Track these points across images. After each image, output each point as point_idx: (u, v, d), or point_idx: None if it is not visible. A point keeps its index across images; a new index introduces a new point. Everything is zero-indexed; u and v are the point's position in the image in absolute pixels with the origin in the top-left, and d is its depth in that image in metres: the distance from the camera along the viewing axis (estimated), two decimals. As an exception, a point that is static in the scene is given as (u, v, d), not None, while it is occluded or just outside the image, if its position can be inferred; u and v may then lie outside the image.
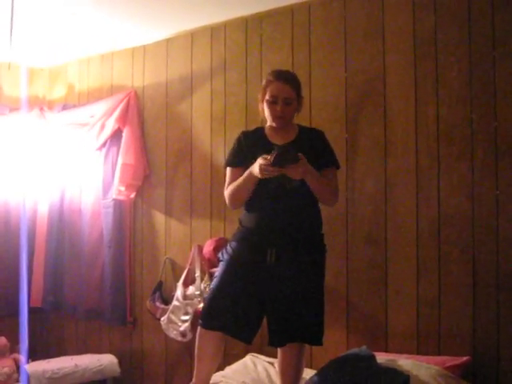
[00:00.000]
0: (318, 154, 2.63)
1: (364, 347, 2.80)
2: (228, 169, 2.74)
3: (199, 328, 2.73)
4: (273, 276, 2.58)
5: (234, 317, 2.63)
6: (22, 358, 4.05)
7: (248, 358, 3.33)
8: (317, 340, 2.67)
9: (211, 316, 2.67)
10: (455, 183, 2.94)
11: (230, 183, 2.69)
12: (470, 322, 2.88)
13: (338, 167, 2.73)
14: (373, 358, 2.68)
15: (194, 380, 2.78)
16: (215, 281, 2.69)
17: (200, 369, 2.76)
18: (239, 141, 2.74)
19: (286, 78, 2.64)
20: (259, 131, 2.74)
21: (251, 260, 2.61)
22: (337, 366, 2.62)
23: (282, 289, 2.58)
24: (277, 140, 2.65)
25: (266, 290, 2.60)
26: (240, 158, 2.69)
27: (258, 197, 2.62)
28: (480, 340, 2.86)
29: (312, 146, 2.64)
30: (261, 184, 2.57)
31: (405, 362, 2.76)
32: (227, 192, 2.69)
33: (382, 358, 2.79)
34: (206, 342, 2.71)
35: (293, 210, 2.59)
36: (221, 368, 3.32)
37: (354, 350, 2.81)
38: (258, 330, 2.67)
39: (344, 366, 2.61)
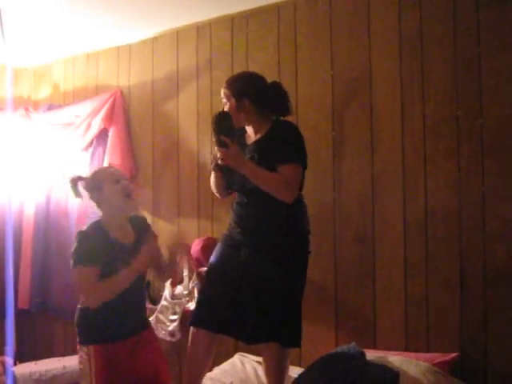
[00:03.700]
0: (278, 148, 2.59)
1: (353, 344, 2.79)
2: None
3: (190, 330, 2.76)
4: (244, 275, 2.62)
5: (219, 314, 2.66)
6: (9, 360, 4.02)
7: (236, 358, 3.32)
8: (288, 341, 2.60)
9: (199, 314, 2.73)
10: (441, 180, 2.95)
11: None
12: (458, 318, 2.89)
13: (297, 164, 2.59)
14: (362, 354, 2.68)
15: None
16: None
17: (190, 372, 2.77)
18: None
19: (226, 80, 2.74)
20: (242, 131, 2.77)
21: (228, 260, 2.70)
22: (325, 364, 2.61)
23: (252, 288, 2.59)
24: (250, 139, 2.72)
25: (240, 288, 2.63)
26: None
27: (235, 198, 2.77)
28: (468, 336, 2.87)
29: (274, 140, 2.61)
30: (233, 186, 2.73)
31: (394, 359, 2.77)
32: None
33: (371, 354, 2.80)
34: (197, 342, 2.73)
35: (258, 210, 2.64)
36: (209, 368, 3.32)
37: (343, 347, 2.80)
38: (244, 325, 2.63)
39: (332, 364, 2.60)
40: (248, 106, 2.66)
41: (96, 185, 2.65)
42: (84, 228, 2.63)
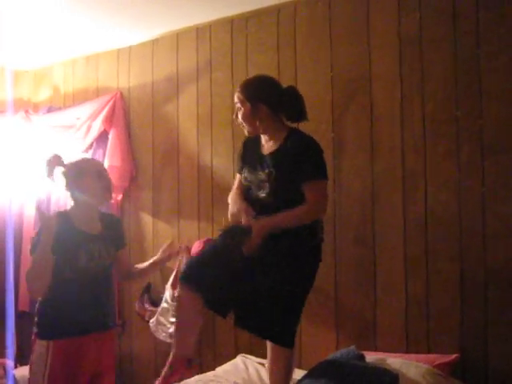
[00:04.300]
0: (297, 166, 2.54)
1: (352, 347, 2.80)
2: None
3: (178, 291, 2.72)
4: (249, 264, 2.55)
5: (214, 286, 2.57)
6: (10, 362, 4.02)
7: (239, 359, 3.32)
8: (279, 339, 2.57)
9: (192, 275, 2.61)
10: (441, 181, 2.95)
11: (235, 187, 2.78)
12: (459, 319, 2.89)
13: (318, 179, 2.54)
14: (362, 358, 2.68)
15: (174, 353, 2.62)
16: (206, 249, 2.79)
17: (182, 336, 2.67)
18: (240, 148, 2.81)
19: (240, 84, 2.66)
20: (257, 139, 2.71)
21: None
22: (324, 369, 2.61)
23: (253, 278, 2.54)
24: (265, 149, 2.64)
25: (240, 272, 2.56)
26: (240, 165, 2.76)
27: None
28: (468, 337, 2.87)
29: (293, 156, 2.54)
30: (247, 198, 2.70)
31: (394, 361, 2.76)
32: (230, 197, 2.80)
33: (371, 357, 2.80)
34: (187, 303, 2.62)
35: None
36: (211, 368, 3.33)
37: (342, 350, 2.81)
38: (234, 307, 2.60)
39: (333, 368, 2.60)
40: (264, 111, 2.57)
41: (77, 174, 2.64)
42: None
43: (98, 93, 4.35)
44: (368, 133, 3.16)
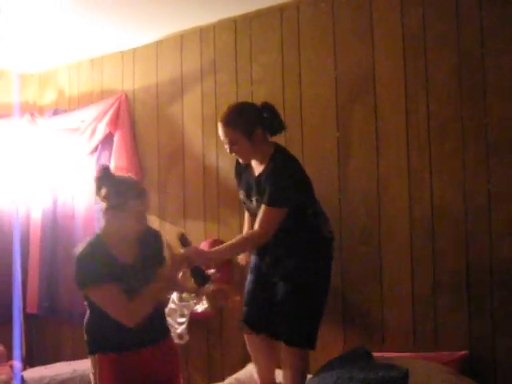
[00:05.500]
0: (266, 189, 2.66)
1: (361, 346, 2.80)
2: None
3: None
4: (267, 279, 2.83)
5: (252, 314, 2.89)
6: (17, 364, 4.03)
7: (251, 367, 3.23)
8: (288, 339, 2.70)
9: (244, 319, 2.93)
10: (447, 179, 2.95)
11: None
12: (466, 316, 2.89)
13: (270, 205, 2.62)
14: (370, 355, 2.69)
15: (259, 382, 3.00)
16: None
17: (260, 368, 2.99)
18: (235, 166, 2.97)
19: (223, 120, 2.70)
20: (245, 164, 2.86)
21: (256, 265, 2.92)
22: (335, 366, 2.61)
23: (271, 289, 2.80)
24: (254, 170, 2.78)
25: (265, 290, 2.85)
26: (237, 180, 2.97)
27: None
28: (476, 334, 2.87)
29: (267, 180, 2.67)
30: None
31: (402, 360, 2.75)
32: None
33: (378, 357, 2.79)
34: (252, 344, 2.96)
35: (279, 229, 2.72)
36: (220, 377, 3.36)
37: (352, 349, 2.81)
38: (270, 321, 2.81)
39: (342, 365, 2.60)
40: (259, 134, 2.68)
41: (121, 193, 2.38)
42: (82, 248, 2.38)
43: (102, 95, 4.36)
44: (373, 132, 3.16)
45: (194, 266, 2.52)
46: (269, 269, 2.82)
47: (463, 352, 2.85)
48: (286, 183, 2.63)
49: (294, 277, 2.72)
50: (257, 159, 2.75)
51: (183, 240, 2.58)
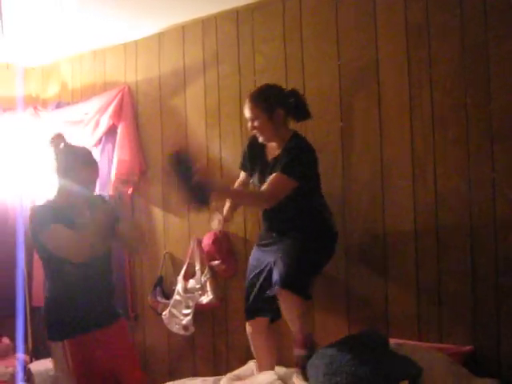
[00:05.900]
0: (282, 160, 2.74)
1: (376, 330, 2.80)
2: None
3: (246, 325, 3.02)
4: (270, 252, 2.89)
5: (254, 299, 2.92)
6: (22, 357, 4.05)
7: (252, 364, 3.25)
8: (281, 280, 2.66)
9: (245, 307, 2.98)
10: (451, 167, 2.94)
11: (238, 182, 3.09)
12: (471, 307, 2.89)
13: (284, 173, 2.69)
14: (387, 343, 2.67)
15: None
16: None
17: (260, 360, 3.02)
18: (244, 149, 3.05)
19: (250, 97, 2.83)
20: (261, 146, 2.91)
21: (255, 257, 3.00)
22: (352, 346, 2.58)
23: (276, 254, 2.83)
24: (269, 153, 2.85)
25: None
26: (243, 163, 3.06)
27: None
28: (480, 326, 2.86)
29: (284, 155, 2.75)
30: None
31: (410, 348, 2.74)
32: None
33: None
34: (253, 334, 3.00)
35: (282, 204, 2.77)
36: (226, 370, 3.37)
37: (368, 330, 2.83)
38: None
39: (359, 347, 2.56)
40: (281, 115, 2.77)
41: (71, 160, 2.62)
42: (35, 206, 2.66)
43: (105, 87, 4.35)
44: (376, 121, 3.15)
45: (197, 182, 2.58)
46: (272, 246, 2.86)
47: (469, 347, 2.84)
48: (303, 159, 2.75)
49: (298, 233, 2.78)
50: (275, 141, 2.82)
51: (180, 157, 2.68)
